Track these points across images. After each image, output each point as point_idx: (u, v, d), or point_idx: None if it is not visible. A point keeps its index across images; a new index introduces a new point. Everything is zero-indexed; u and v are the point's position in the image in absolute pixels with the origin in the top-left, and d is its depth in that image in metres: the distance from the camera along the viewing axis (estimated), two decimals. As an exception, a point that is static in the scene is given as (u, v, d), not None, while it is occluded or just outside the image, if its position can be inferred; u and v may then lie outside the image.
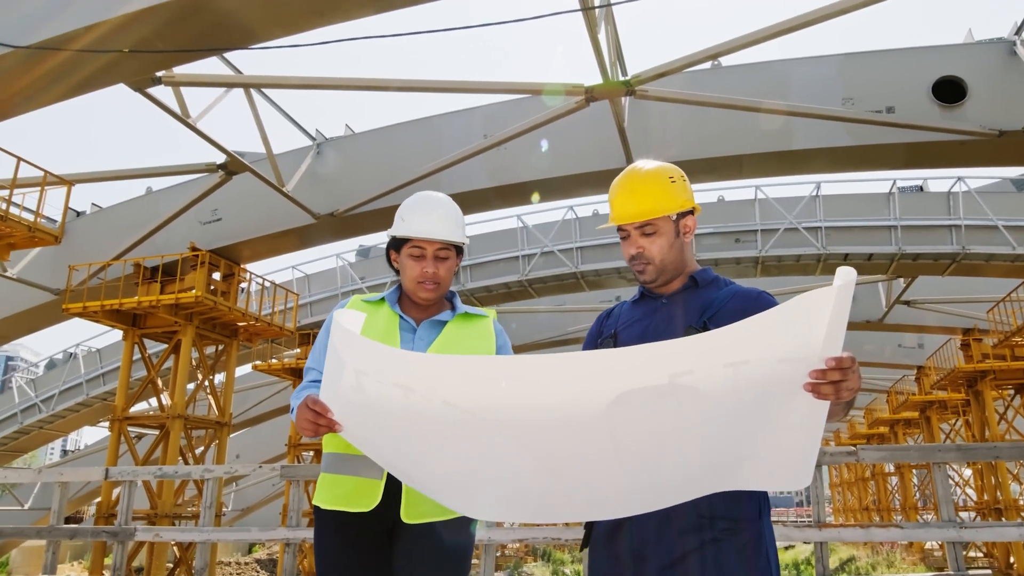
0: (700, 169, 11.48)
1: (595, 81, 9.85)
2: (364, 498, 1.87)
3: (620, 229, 1.81)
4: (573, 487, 1.41)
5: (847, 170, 11.52)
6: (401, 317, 2.03)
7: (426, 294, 2.03)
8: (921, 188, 15.20)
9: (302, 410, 1.59)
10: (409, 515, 1.87)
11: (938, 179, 15.10)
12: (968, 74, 10.17)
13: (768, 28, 9.14)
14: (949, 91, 10.16)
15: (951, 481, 27.42)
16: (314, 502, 1.97)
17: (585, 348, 1.88)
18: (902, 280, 16.52)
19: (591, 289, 17.03)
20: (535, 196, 12.31)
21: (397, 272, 2.12)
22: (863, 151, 10.64)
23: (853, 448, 4.34)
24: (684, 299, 1.79)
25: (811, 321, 1.17)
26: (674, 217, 1.79)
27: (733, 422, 1.28)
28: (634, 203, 1.76)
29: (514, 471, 1.40)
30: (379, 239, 21.54)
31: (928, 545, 27.00)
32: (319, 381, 1.68)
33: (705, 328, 1.64)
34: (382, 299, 2.06)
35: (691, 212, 1.83)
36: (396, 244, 2.08)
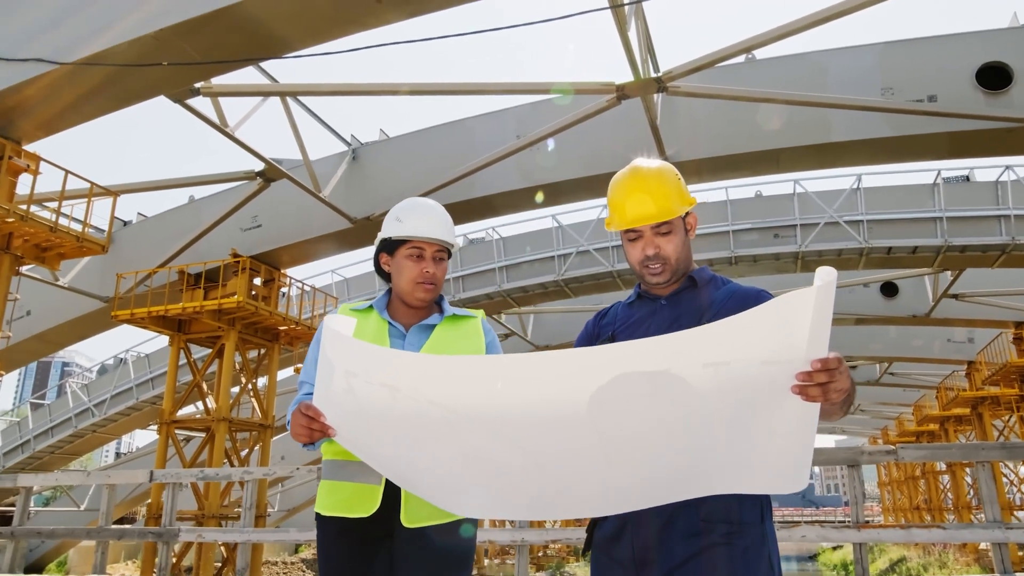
0: (735, 164, 11.34)
1: (626, 78, 9.79)
2: (363, 503, 1.88)
3: (629, 231, 1.77)
4: (563, 484, 1.40)
5: (888, 162, 11.26)
6: (390, 323, 2.03)
7: (424, 294, 2.04)
8: (968, 178, 14.75)
9: (296, 416, 1.60)
10: (409, 519, 1.87)
11: (985, 168, 14.70)
12: (1015, 59, 9.84)
13: (804, 19, 8.98)
14: (994, 77, 9.84)
15: (1006, 480, 26.54)
16: (315, 509, 1.98)
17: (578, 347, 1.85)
18: (949, 273, 16.06)
19: (627, 288, 16.92)
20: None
21: (384, 276, 2.12)
22: (904, 142, 10.37)
23: (893, 447, 4.23)
24: (684, 300, 1.76)
25: (793, 322, 1.15)
26: (683, 215, 1.77)
27: (719, 423, 1.26)
28: (652, 203, 1.72)
29: (503, 469, 1.39)
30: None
31: (983, 545, 26.19)
32: (312, 394, 1.69)
33: None
34: (370, 307, 2.06)
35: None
36: (390, 247, 2.07)
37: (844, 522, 4.26)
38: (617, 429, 1.26)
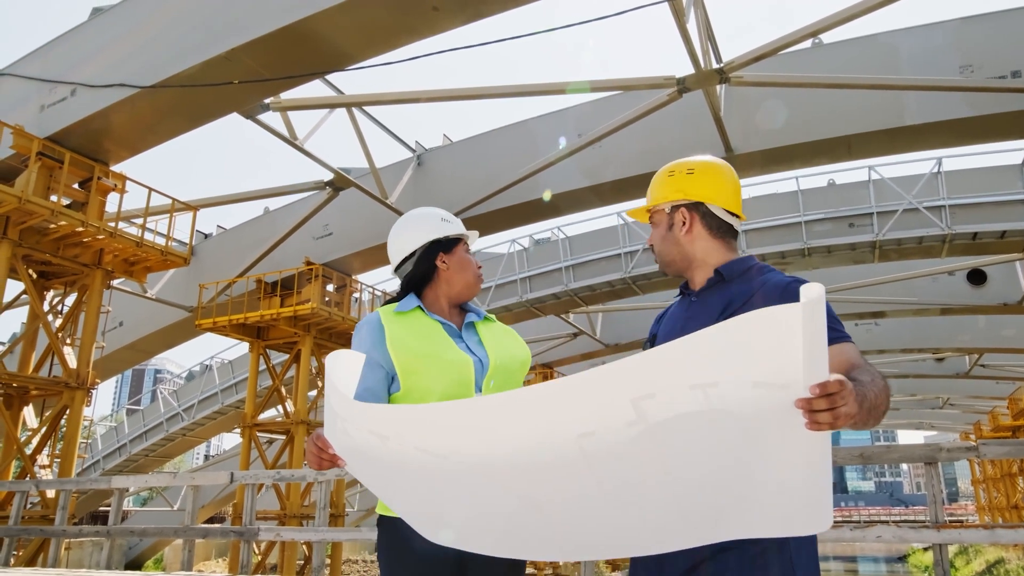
0: (804, 153, 11.02)
1: (687, 71, 9.65)
2: None
3: None
4: (565, 526, 1.33)
5: (968, 143, 10.71)
6: (442, 323, 2.01)
7: (479, 287, 2.11)
8: (1061, 156, 13.87)
9: (308, 443, 1.60)
10: None
11: (1080, 145, 13.75)
12: (1106, 27, 9.23)
13: (872, -2, 8.64)
14: (1084, 48, 9.25)
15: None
16: (377, 511, 1.95)
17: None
18: (1042, 258, 15.13)
19: (697, 283, 16.60)
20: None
21: (419, 280, 2.07)
22: (986, 121, 9.86)
23: (974, 444, 4.04)
24: (709, 296, 1.71)
25: (781, 342, 1.04)
26: (668, 209, 1.77)
27: (719, 456, 1.15)
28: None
29: (500, 511, 1.34)
30: (482, 243, 21.90)
31: (1092, 546, 24.53)
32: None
33: None
34: (418, 307, 2.02)
35: (693, 205, 1.75)
36: (446, 246, 2.08)
37: (925, 522, 4.09)
38: (610, 467, 1.17)
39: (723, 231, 1.75)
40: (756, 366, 1.05)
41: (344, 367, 1.48)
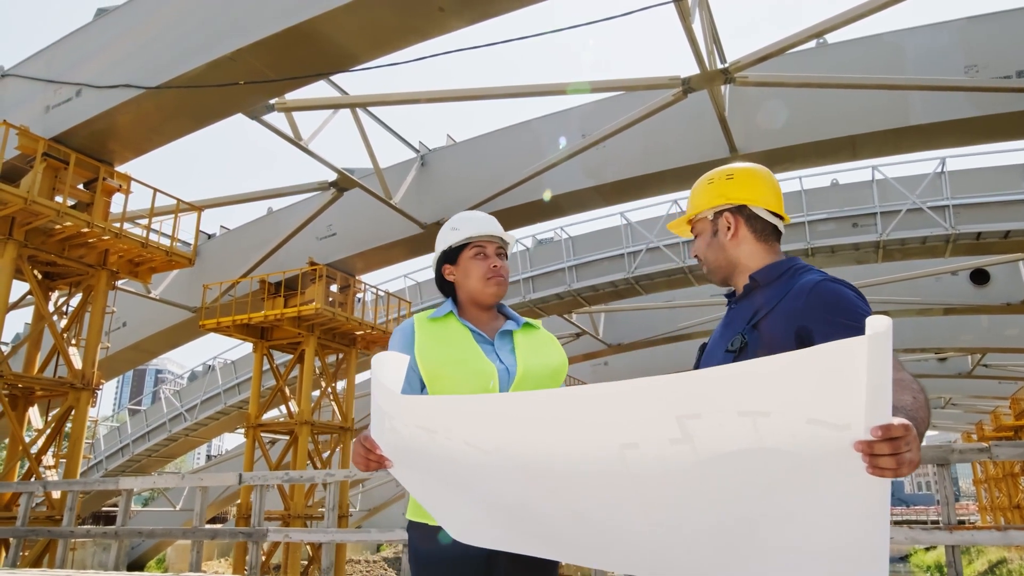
0: (808, 153, 11.03)
1: (692, 71, 9.64)
2: None
3: None
4: (604, 535, 1.30)
5: (973, 143, 10.71)
6: (472, 330, 1.97)
7: (496, 289, 2.00)
8: (1065, 156, 13.86)
9: (355, 446, 1.59)
10: None
11: (1085, 145, 13.74)
12: (1112, 27, 9.23)
13: (877, -2, 8.63)
14: (1090, 48, 9.25)
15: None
16: (407, 516, 1.93)
17: None
18: (1047, 257, 15.13)
19: (700, 284, 16.63)
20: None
21: (447, 290, 2.08)
22: (991, 121, 9.87)
23: (986, 445, 4.04)
24: (745, 303, 1.68)
25: (843, 378, 0.96)
26: (710, 216, 1.75)
27: (766, 493, 1.08)
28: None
29: (542, 513, 1.32)
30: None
31: (1095, 546, 24.47)
32: None
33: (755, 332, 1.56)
34: (451, 313, 2.01)
35: (737, 208, 1.72)
36: (452, 257, 2.05)
37: (935, 522, 4.08)
38: (655, 484, 1.14)
39: (767, 233, 1.72)
40: (813, 401, 0.98)
41: (390, 367, 1.48)
